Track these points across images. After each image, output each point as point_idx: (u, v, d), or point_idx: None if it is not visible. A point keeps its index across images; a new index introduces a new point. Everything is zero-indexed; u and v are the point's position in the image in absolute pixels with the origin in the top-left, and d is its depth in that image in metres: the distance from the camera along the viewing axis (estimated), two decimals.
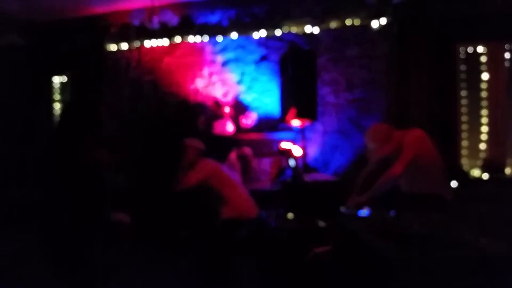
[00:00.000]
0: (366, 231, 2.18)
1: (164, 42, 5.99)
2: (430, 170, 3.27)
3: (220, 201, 3.83)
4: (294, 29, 5.52)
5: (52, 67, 6.51)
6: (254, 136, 5.70)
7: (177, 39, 5.93)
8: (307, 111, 4.75)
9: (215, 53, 5.90)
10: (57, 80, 6.62)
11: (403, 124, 4.42)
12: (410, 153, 3.16)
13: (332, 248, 2.42)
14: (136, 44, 6.10)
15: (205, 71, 5.94)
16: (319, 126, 5.51)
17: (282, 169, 5.24)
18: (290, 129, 5.56)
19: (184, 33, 5.88)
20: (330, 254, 2.42)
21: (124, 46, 6.15)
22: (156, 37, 5.98)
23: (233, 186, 4.00)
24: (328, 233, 2.66)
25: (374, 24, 5.19)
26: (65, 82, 6.58)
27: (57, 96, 6.61)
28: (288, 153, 3.69)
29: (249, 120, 5.72)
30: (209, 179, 3.94)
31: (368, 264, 2.03)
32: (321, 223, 3.02)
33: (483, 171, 4.97)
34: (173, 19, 5.80)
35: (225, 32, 5.75)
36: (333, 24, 5.37)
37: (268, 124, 5.72)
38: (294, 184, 3.51)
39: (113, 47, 6.20)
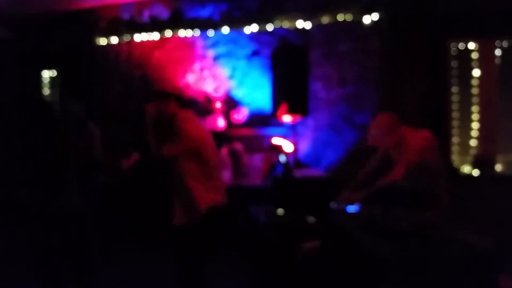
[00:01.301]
0: (355, 227, 2.17)
1: (155, 36, 5.94)
2: (430, 171, 3.25)
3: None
4: (286, 24, 5.49)
5: (41, 61, 6.44)
6: (245, 131, 5.68)
7: (168, 33, 5.88)
8: (299, 107, 4.75)
9: (206, 47, 5.86)
10: (46, 74, 6.55)
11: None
12: (414, 158, 3.08)
13: (322, 244, 2.42)
14: (126, 38, 6.05)
15: (196, 66, 5.90)
16: (310, 122, 5.49)
17: (273, 164, 5.24)
18: (281, 124, 5.55)
19: (174, 27, 5.84)
20: (319, 249, 2.42)
21: (114, 40, 6.10)
22: (146, 31, 5.93)
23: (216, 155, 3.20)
24: (318, 229, 2.65)
25: (366, 19, 5.18)
26: (55, 77, 6.52)
27: (46, 91, 6.54)
28: (279, 149, 3.67)
29: (240, 115, 5.70)
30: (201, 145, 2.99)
31: (357, 260, 2.03)
32: (311, 219, 3.01)
33: (474, 167, 5.00)
34: (163, 13, 5.76)
35: (216, 27, 5.71)
36: (325, 19, 5.35)
37: (259, 120, 5.70)
38: (285, 180, 3.49)
39: (103, 41, 6.14)
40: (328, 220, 2.48)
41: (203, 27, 5.76)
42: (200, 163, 3.00)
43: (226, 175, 5.42)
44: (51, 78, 6.56)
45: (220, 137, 5.58)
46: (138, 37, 5.99)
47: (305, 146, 5.52)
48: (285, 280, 2.70)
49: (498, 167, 4.98)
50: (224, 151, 5.51)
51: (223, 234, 3.33)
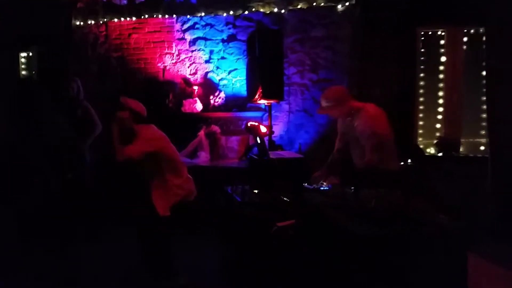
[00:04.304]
0: (327, 206, 2.16)
1: (132, 18, 5.76)
2: (387, 146, 3.28)
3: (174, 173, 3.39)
4: (262, 9, 5.41)
5: (18, 41, 6.18)
6: (222, 114, 5.62)
7: (145, 15, 5.71)
8: (274, 91, 4.69)
9: (184, 30, 5.72)
10: (23, 55, 6.30)
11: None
12: (375, 139, 3.12)
13: (295, 222, 2.41)
14: (104, 20, 5.85)
15: (174, 49, 5.76)
16: (285, 105, 5.47)
17: (250, 146, 5.21)
18: (257, 107, 5.51)
19: (152, 10, 5.67)
20: (293, 227, 2.41)
21: (92, 21, 5.90)
22: (124, 13, 5.74)
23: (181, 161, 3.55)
24: (292, 208, 2.64)
25: (339, 6, 5.14)
26: (31, 57, 6.28)
27: (23, 71, 6.30)
28: (254, 131, 3.63)
29: (218, 98, 5.62)
30: (162, 149, 3.31)
31: (330, 238, 2.03)
32: (285, 198, 3.00)
33: (438, 149, 5.06)
34: None
35: (193, 10, 5.57)
36: (300, 5, 5.29)
37: (236, 103, 5.64)
38: (260, 161, 3.46)
39: (80, 23, 5.93)
40: (302, 200, 2.47)
41: (181, 10, 5.62)
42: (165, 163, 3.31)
43: (204, 156, 5.38)
44: (28, 58, 6.31)
45: (198, 120, 5.52)
46: (116, 19, 5.80)
47: (279, 129, 5.50)
48: (260, 257, 2.69)
49: (461, 150, 5.05)
50: (202, 133, 5.45)
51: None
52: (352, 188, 2.24)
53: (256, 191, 3.30)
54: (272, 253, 2.49)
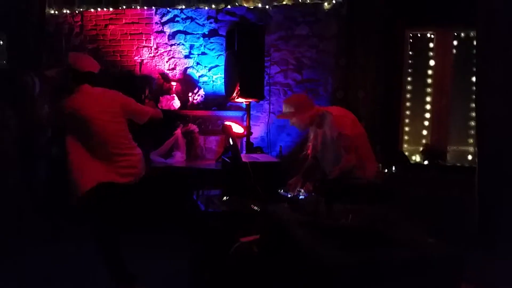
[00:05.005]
0: (295, 223, 1.81)
1: (109, 9, 5.36)
2: (360, 148, 3.05)
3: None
4: (246, 4, 5.05)
5: None
6: (201, 113, 5.24)
7: (123, 6, 5.32)
8: (253, 89, 4.34)
9: (163, 23, 5.34)
10: None
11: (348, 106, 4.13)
12: (344, 140, 2.94)
13: (260, 238, 2.07)
14: (80, 9, 5.45)
15: (152, 42, 5.38)
16: (266, 106, 5.12)
17: (227, 148, 4.84)
18: (238, 107, 5.16)
19: (130, 1, 5.26)
20: (256, 244, 2.06)
21: (67, 11, 5.49)
22: (101, 3, 5.35)
23: None
24: (259, 220, 2.30)
25: (326, 3, 4.82)
26: (1, 45, 5.85)
27: None
28: (227, 131, 3.29)
29: (197, 96, 5.25)
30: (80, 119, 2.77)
31: (294, 263, 1.68)
32: (255, 207, 2.65)
33: (424, 157, 4.76)
34: None
35: (174, 2, 5.18)
36: (285, 1, 4.94)
37: (216, 101, 5.27)
38: (232, 164, 3.11)
39: (54, 12, 5.52)
40: (267, 213, 2.12)
41: (160, 2, 5.23)
42: (86, 137, 2.84)
43: (179, 157, 5.01)
44: None
45: (175, 117, 5.15)
46: (92, 9, 5.40)
47: (260, 130, 5.15)
48: (220, 276, 2.33)
49: (448, 158, 4.76)
50: (179, 132, 5.09)
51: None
52: (326, 201, 1.89)
53: (225, 198, 2.95)
54: (233, 272, 2.13)
